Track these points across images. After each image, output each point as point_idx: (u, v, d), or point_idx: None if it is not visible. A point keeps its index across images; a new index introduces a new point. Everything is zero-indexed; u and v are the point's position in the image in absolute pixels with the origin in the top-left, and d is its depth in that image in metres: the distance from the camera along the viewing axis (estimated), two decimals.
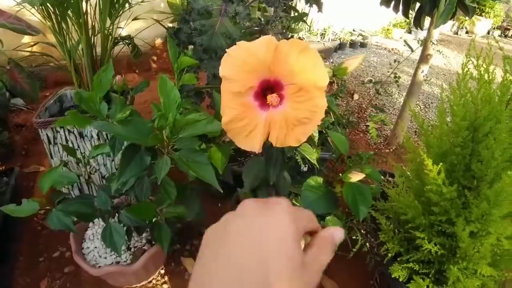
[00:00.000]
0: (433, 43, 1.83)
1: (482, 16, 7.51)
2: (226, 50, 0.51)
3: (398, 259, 1.15)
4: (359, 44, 5.38)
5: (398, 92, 4.00)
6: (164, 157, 0.77)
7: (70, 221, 1.12)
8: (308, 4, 1.46)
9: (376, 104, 3.79)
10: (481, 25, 7.52)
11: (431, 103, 3.86)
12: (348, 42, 5.24)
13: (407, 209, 1.04)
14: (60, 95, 1.82)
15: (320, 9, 1.58)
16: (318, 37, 4.78)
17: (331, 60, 4.72)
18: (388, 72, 4.50)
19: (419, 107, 3.71)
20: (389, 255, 1.17)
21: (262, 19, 1.23)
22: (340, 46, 5.07)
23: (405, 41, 1.75)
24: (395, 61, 1.69)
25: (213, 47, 1.17)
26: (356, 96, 3.70)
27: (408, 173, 1.22)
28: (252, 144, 0.52)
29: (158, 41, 3.35)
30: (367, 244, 1.36)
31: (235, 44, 1.27)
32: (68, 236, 1.37)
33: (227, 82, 0.51)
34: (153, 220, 1.19)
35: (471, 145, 0.93)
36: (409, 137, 1.15)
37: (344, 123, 1.64)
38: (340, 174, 0.99)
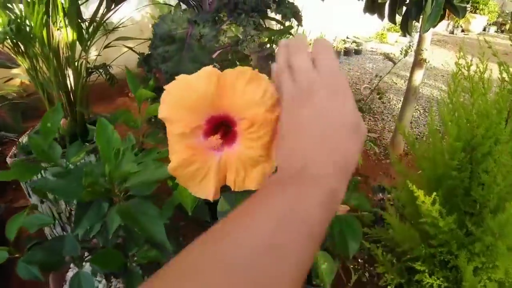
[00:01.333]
0: (422, 50, 1.72)
1: (476, 13, 7.43)
2: (165, 87, 0.43)
3: None
4: (353, 51, 5.29)
5: (396, 98, 3.90)
6: (114, 209, 0.67)
7: (37, 271, 1.04)
8: (285, 19, 1.37)
9: (374, 111, 3.68)
10: (476, 22, 7.43)
11: (431, 106, 3.74)
12: (342, 50, 5.16)
13: (404, 239, 0.93)
14: (37, 129, 1.74)
15: (299, 22, 1.49)
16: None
17: None
18: (386, 78, 4.40)
19: (418, 111, 3.60)
20: (389, 287, 1.05)
21: (231, 40, 1.14)
22: None
23: (384, 54, 1.64)
24: (376, 75, 1.58)
25: (181, 73, 1.08)
26: None
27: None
28: (205, 191, 0.44)
29: None
30: (366, 273, 1.24)
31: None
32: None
33: (169, 124, 0.41)
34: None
35: (470, 167, 0.82)
36: (398, 161, 1.03)
37: None
38: None
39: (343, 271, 1.19)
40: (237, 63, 1.32)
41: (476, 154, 0.81)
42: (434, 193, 0.76)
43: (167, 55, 1.05)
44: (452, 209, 0.84)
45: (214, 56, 1.42)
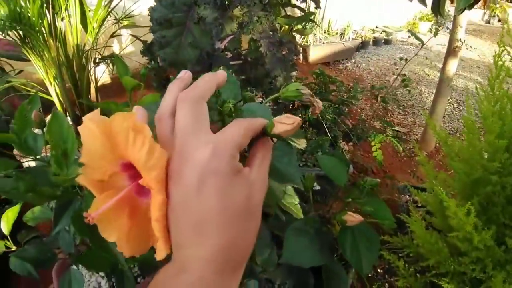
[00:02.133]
0: (460, 40, 1.53)
1: None
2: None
3: None
4: (382, 41, 5.05)
5: (428, 91, 3.66)
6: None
7: (32, 267, 1.00)
8: (301, 0, 1.25)
9: (404, 104, 3.48)
10: None
11: (467, 99, 3.48)
12: (371, 40, 4.94)
13: (430, 253, 0.79)
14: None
15: (317, 5, 1.36)
16: (338, 38, 4.51)
17: (353, 60, 4.44)
18: (417, 69, 4.15)
19: (451, 105, 3.36)
20: None
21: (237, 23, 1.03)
22: (363, 45, 4.78)
23: (409, 30, 1.47)
24: (400, 59, 1.42)
25: (180, 60, 0.98)
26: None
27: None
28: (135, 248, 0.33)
29: None
30: (386, 284, 1.11)
31: (206, 56, 1.03)
32: None
33: (89, 170, 0.33)
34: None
35: None
36: (427, 161, 0.89)
37: (357, 137, 1.40)
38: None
39: (361, 283, 1.06)
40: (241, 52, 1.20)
41: None
42: (469, 203, 0.62)
43: (164, 40, 0.95)
44: (490, 221, 0.70)
45: (222, 44, 1.32)
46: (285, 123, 0.33)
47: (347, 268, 1.02)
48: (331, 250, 0.80)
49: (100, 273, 1.30)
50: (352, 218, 0.72)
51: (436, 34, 1.48)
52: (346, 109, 1.78)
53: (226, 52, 1.39)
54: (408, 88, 1.51)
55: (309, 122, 1.34)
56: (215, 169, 0.26)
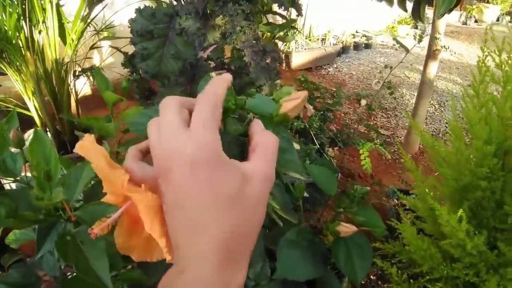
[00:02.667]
0: (444, 47, 1.56)
1: (489, 3, 7.23)
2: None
3: None
4: (363, 45, 5.12)
5: (410, 93, 3.72)
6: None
7: None
8: (283, 8, 1.24)
9: (386, 107, 3.52)
10: (490, 12, 7.22)
11: (446, 101, 3.55)
12: (352, 45, 5.00)
13: (423, 258, 0.79)
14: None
15: (298, 12, 1.36)
16: (319, 43, 4.55)
17: (335, 65, 4.48)
18: (398, 71, 4.21)
19: (433, 106, 3.42)
20: None
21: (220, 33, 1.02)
22: (344, 50, 4.83)
23: (394, 38, 1.49)
24: (385, 66, 1.44)
25: (163, 72, 0.96)
26: (363, 101, 3.43)
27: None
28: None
29: None
30: None
31: (189, 66, 1.01)
32: None
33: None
34: None
35: (502, 175, 0.67)
36: (415, 168, 0.89)
37: (342, 142, 1.40)
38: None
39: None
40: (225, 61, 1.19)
41: (510, 159, 0.66)
42: (460, 211, 0.62)
43: (146, 52, 0.93)
44: (481, 225, 0.70)
45: (205, 53, 1.30)
46: (292, 99, 0.34)
47: (340, 277, 1.01)
48: (324, 261, 0.79)
49: None
50: (346, 228, 0.71)
51: (420, 41, 1.51)
52: (331, 114, 1.79)
53: (209, 62, 1.38)
54: (391, 91, 1.52)
55: (296, 131, 1.34)
56: (211, 149, 0.27)
